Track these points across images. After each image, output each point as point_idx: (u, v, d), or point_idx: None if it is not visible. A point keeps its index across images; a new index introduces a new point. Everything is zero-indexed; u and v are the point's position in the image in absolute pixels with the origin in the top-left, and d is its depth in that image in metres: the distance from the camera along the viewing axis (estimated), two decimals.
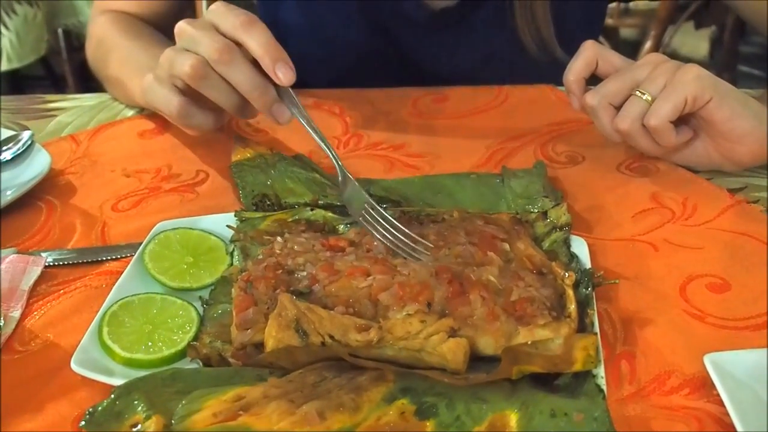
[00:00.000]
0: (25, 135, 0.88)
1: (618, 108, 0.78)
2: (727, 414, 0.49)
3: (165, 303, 0.62)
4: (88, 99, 1.08)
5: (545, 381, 0.54)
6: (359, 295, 0.58)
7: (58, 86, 3.12)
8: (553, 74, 1.01)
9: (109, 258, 0.71)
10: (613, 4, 3.04)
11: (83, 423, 0.49)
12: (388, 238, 0.64)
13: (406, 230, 0.64)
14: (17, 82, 2.99)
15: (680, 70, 0.75)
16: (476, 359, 0.56)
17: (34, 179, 0.81)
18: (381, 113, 1.00)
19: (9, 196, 0.78)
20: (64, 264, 0.70)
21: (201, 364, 0.56)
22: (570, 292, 0.59)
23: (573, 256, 0.66)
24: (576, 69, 0.82)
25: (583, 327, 0.58)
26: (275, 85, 0.76)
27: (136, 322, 0.59)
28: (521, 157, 0.88)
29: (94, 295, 0.66)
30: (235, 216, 0.72)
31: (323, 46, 1.18)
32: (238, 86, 0.75)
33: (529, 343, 0.55)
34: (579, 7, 1.12)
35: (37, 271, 0.68)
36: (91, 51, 1.12)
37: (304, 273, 0.60)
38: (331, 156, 0.73)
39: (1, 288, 0.66)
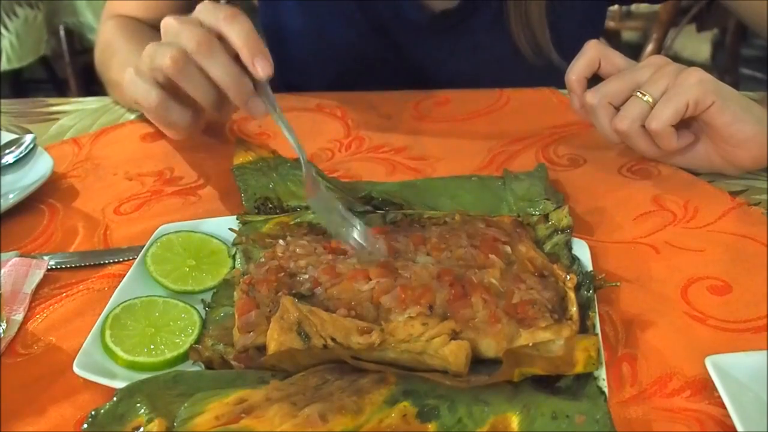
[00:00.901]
0: (28, 138, 0.88)
1: (618, 108, 0.78)
2: (729, 416, 0.49)
3: (167, 306, 0.62)
4: (90, 102, 1.09)
5: (547, 383, 0.54)
6: (361, 297, 0.58)
7: (61, 89, 3.12)
8: (553, 80, 1.01)
9: (111, 261, 0.71)
10: (614, 7, 3.04)
11: (85, 426, 0.49)
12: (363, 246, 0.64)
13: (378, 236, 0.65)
14: (20, 86, 3.00)
15: (682, 74, 0.75)
16: (478, 362, 0.56)
17: (37, 182, 0.81)
18: (382, 116, 1.01)
19: (11, 199, 0.79)
20: (66, 267, 0.71)
21: (203, 366, 0.57)
22: (571, 294, 0.60)
23: (574, 259, 0.66)
24: (578, 68, 0.82)
25: (584, 329, 0.58)
26: (254, 81, 0.76)
27: (139, 325, 0.59)
28: (523, 159, 0.88)
29: (97, 298, 0.66)
30: (237, 219, 0.73)
31: (323, 49, 1.18)
32: (215, 78, 0.75)
33: (531, 345, 0.55)
34: (578, 9, 1.12)
35: (39, 274, 0.69)
36: (97, 55, 1.13)
37: (306, 276, 0.60)
38: (300, 156, 0.73)
39: (4, 291, 0.66)
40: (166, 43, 0.77)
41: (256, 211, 0.76)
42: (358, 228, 0.65)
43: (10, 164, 0.85)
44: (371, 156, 0.90)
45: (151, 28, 1.10)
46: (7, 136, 0.90)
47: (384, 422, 0.50)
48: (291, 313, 0.55)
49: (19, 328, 0.63)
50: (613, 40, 3.17)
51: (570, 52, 0.85)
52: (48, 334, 0.63)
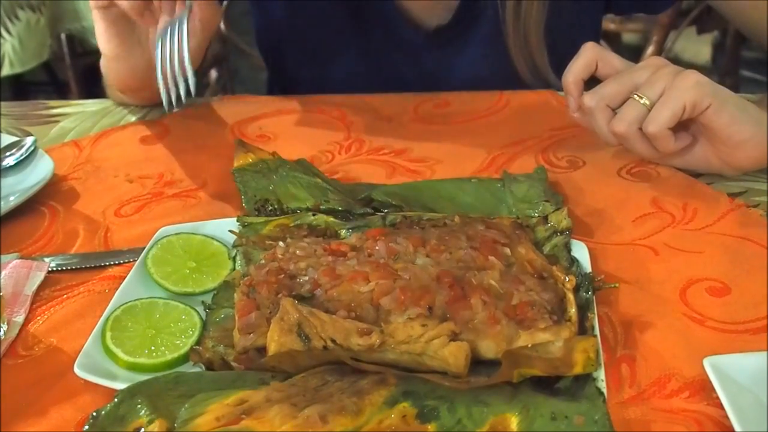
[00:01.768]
0: (28, 141, 0.88)
1: (615, 111, 0.78)
2: (727, 417, 0.49)
3: (168, 307, 0.62)
4: (90, 105, 1.09)
5: (546, 384, 0.54)
6: (361, 299, 0.58)
7: (61, 92, 3.12)
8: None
9: (112, 263, 0.71)
10: None
11: (86, 427, 0.50)
12: None
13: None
14: (20, 88, 2.99)
15: (679, 76, 0.74)
16: (477, 363, 0.56)
17: (37, 185, 0.82)
18: (382, 119, 1.01)
19: (12, 201, 0.79)
20: (67, 269, 0.71)
21: (204, 368, 0.57)
22: (570, 295, 0.60)
23: (573, 260, 0.66)
24: (575, 70, 0.81)
25: (583, 330, 0.58)
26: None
27: (139, 326, 0.60)
28: (522, 161, 0.88)
29: (97, 299, 0.66)
30: (237, 221, 0.73)
31: (319, 73, 1.18)
32: None
33: (530, 346, 0.55)
34: (575, 26, 1.11)
35: (40, 276, 0.69)
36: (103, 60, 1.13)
37: (306, 278, 0.61)
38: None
39: (5, 293, 0.66)
40: None
41: (256, 213, 0.76)
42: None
43: (10, 167, 0.85)
44: (371, 158, 0.91)
45: None
46: (8, 139, 0.90)
47: (384, 423, 0.50)
48: (291, 314, 0.55)
49: (20, 330, 0.63)
50: (614, 42, 3.16)
51: (564, 65, 0.84)
52: (49, 336, 0.63)
